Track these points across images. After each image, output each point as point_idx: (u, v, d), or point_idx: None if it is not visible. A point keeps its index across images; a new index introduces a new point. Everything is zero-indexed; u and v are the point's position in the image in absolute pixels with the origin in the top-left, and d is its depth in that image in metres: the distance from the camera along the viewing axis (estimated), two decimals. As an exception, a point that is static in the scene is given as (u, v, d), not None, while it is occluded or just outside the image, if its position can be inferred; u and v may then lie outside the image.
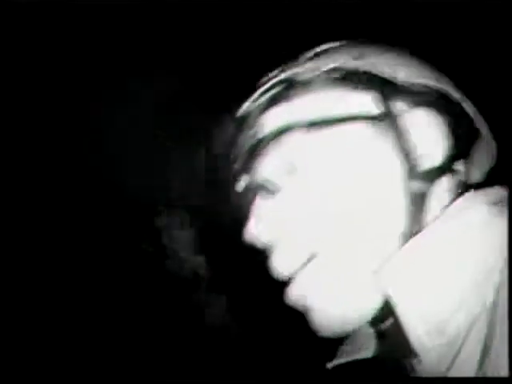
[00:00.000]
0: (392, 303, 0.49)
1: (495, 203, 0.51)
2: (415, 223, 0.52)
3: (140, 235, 1.87)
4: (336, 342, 0.62)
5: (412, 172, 0.52)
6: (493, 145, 0.59)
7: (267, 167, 0.56)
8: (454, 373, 0.47)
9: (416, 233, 0.51)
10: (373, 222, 0.52)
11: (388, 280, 0.50)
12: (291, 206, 0.54)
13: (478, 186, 0.57)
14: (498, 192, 0.54)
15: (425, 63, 0.59)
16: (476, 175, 0.61)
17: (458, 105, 0.57)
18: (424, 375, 0.50)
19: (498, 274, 0.47)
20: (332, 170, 0.53)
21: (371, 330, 0.59)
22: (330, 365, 0.61)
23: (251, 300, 1.67)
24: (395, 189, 0.52)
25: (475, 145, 0.59)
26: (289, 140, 0.55)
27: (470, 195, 0.53)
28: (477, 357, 0.46)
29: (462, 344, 0.47)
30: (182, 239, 1.83)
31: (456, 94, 0.57)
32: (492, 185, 0.56)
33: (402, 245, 0.51)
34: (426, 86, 0.56)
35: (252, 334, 1.71)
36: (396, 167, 0.53)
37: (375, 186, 0.53)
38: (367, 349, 0.60)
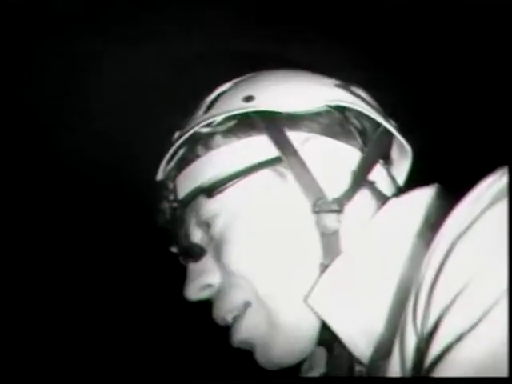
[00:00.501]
0: (329, 325, 0.51)
1: (414, 208, 0.52)
2: (331, 253, 0.53)
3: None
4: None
5: (319, 205, 0.53)
6: (405, 142, 0.60)
7: (190, 232, 0.58)
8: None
9: (333, 259, 0.52)
10: (294, 258, 0.54)
11: (318, 305, 0.52)
12: (218, 262, 0.56)
13: (399, 192, 0.58)
14: (418, 194, 0.54)
15: (311, 82, 0.59)
16: (397, 178, 0.62)
17: (352, 112, 0.57)
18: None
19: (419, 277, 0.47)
20: (248, 220, 0.55)
21: (321, 350, 0.60)
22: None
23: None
24: (306, 224, 0.53)
25: (387, 148, 0.60)
26: (199, 203, 0.56)
27: (390, 204, 0.54)
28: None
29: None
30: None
31: (349, 100, 0.57)
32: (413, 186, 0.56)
33: (322, 271, 0.52)
34: (316, 113, 0.56)
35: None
36: (303, 204, 0.54)
37: (290, 225, 0.54)
38: (319, 366, 0.60)
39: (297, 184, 0.54)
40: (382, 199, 0.56)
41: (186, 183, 0.57)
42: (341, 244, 0.53)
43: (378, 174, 0.57)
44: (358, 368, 0.54)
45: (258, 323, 0.55)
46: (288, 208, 0.55)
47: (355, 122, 0.58)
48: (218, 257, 0.56)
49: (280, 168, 0.55)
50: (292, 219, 0.54)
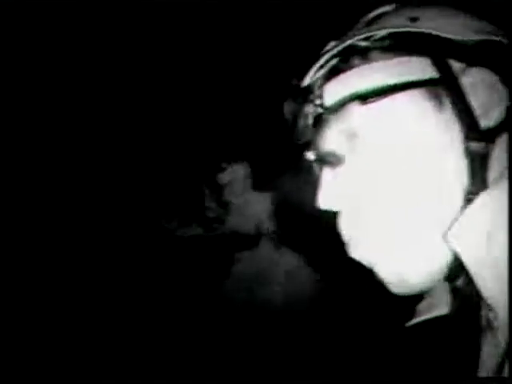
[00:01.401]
0: (463, 261, 0.50)
1: None
2: (478, 183, 0.52)
3: (202, 193, 1.91)
4: (413, 302, 0.62)
5: (471, 132, 0.52)
6: None
7: (330, 139, 0.57)
8: None
9: (479, 192, 0.51)
10: (436, 183, 0.53)
11: (457, 239, 0.50)
12: (355, 176, 0.55)
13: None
14: None
15: (478, 18, 0.57)
16: None
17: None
18: (500, 331, 0.50)
19: (508, 230, 0.47)
20: (393, 137, 0.54)
21: (446, 287, 0.59)
22: (408, 324, 0.62)
23: (320, 257, 1.68)
24: (455, 150, 0.53)
25: None
26: (349, 111, 0.55)
27: None
28: None
29: None
30: (244, 195, 1.86)
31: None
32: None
33: (467, 204, 0.52)
34: (481, 42, 0.54)
35: (322, 291, 1.73)
36: (455, 129, 0.53)
37: (436, 149, 0.53)
38: (443, 306, 0.60)
39: (452, 109, 0.54)
40: None
41: (338, 90, 0.57)
42: (489, 176, 0.52)
43: None
44: (484, 312, 0.53)
45: (386, 240, 0.54)
46: (440, 129, 0.54)
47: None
48: (357, 168, 0.56)
49: (438, 90, 0.54)
50: (442, 140, 0.54)
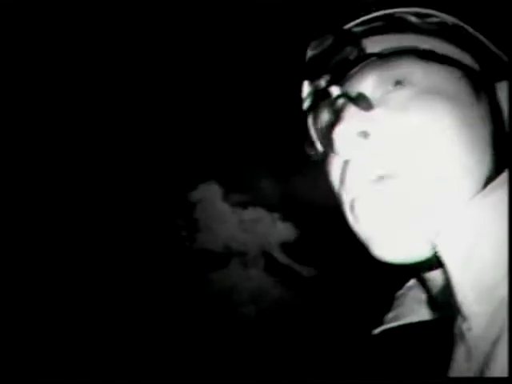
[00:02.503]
0: (444, 263, 0.50)
1: None
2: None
3: (174, 210, 1.90)
4: (382, 310, 0.63)
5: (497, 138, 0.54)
6: None
7: (368, 82, 0.57)
8: (504, 342, 0.46)
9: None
10: (455, 166, 0.52)
11: (444, 245, 0.50)
12: (381, 122, 0.54)
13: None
14: None
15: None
16: None
17: None
18: (472, 344, 0.49)
19: (508, 235, 0.47)
20: (432, 104, 0.53)
21: (418, 295, 0.60)
22: (376, 331, 0.63)
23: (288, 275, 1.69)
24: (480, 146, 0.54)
25: None
26: (399, 62, 0.56)
27: None
28: None
29: None
30: (215, 212, 1.86)
31: None
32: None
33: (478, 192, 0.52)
34: None
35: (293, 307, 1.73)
36: (486, 126, 0.55)
37: (468, 131, 0.53)
38: (411, 315, 0.61)
39: (487, 108, 0.56)
40: None
41: (391, 41, 0.57)
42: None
43: None
44: (459, 322, 0.51)
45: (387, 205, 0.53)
46: (473, 118, 0.55)
47: None
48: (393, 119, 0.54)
49: (477, 83, 0.56)
50: (472, 131, 0.54)
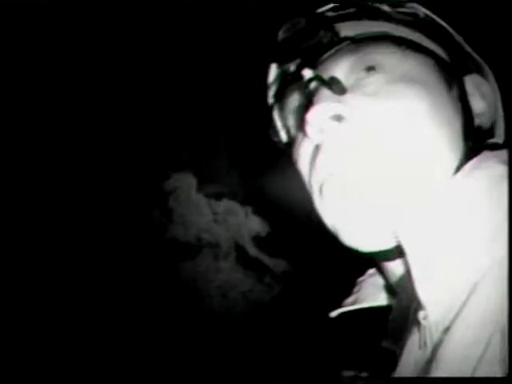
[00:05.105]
0: (404, 251, 0.51)
1: (504, 162, 0.52)
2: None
3: (148, 199, 1.89)
4: (342, 294, 0.64)
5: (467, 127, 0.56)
6: None
7: (341, 66, 0.57)
8: (456, 329, 0.46)
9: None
10: (428, 154, 0.53)
11: (406, 236, 0.51)
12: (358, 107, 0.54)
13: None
14: (505, 153, 0.55)
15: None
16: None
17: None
18: (427, 332, 0.50)
19: (507, 230, 0.47)
20: (403, 87, 0.54)
21: (379, 281, 0.61)
22: (333, 313, 0.63)
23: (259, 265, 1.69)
24: (453, 133, 0.55)
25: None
26: (372, 48, 0.57)
27: (484, 155, 0.55)
28: (482, 313, 0.45)
29: (468, 299, 0.47)
30: (189, 203, 1.85)
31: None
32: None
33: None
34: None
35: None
36: (457, 115, 0.56)
37: (438, 117, 0.54)
38: (372, 299, 0.62)
39: (457, 97, 0.58)
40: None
41: (365, 26, 0.59)
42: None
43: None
44: (414, 307, 0.52)
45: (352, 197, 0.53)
46: (445, 104, 0.56)
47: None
48: (362, 100, 0.54)
49: (448, 73, 0.59)
50: (444, 116, 0.55)
